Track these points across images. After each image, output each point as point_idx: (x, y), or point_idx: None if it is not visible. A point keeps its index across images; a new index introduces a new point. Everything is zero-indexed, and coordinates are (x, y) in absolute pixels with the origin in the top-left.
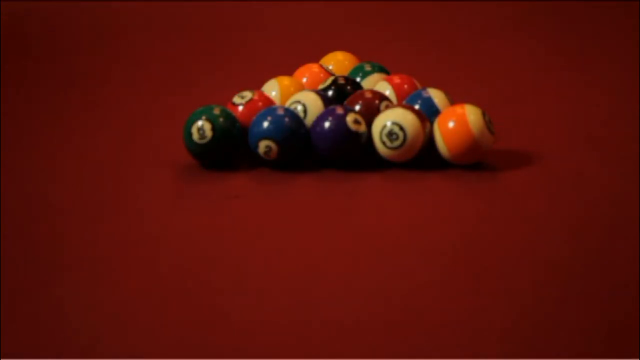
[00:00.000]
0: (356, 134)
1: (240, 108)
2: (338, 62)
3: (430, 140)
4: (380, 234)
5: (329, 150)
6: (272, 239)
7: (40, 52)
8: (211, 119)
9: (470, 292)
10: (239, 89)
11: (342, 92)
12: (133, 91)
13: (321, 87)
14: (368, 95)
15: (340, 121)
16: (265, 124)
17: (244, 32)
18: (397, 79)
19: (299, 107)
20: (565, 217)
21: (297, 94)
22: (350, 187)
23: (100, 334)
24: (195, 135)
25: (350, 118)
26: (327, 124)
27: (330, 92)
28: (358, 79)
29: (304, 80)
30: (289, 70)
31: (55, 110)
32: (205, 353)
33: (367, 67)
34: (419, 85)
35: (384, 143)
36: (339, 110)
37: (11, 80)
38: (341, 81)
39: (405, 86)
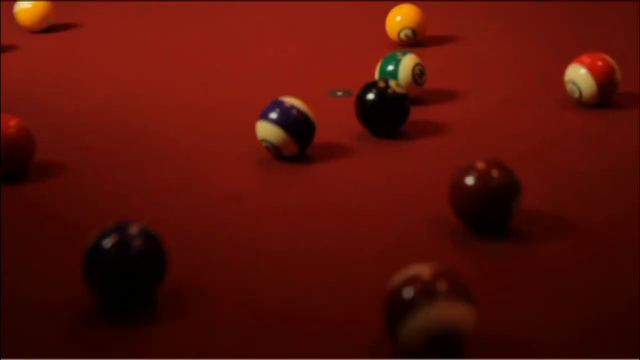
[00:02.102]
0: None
1: None
2: (404, 14)
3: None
4: None
5: None
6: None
7: None
8: None
9: None
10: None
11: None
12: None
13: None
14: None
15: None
16: None
17: None
18: (587, 59)
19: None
20: None
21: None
22: None
23: None
24: None
25: None
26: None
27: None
28: (391, 67)
29: (398, 18)
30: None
31: None
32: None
33: (399, 55)
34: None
35: None
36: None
37: None
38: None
39: (599, 62)
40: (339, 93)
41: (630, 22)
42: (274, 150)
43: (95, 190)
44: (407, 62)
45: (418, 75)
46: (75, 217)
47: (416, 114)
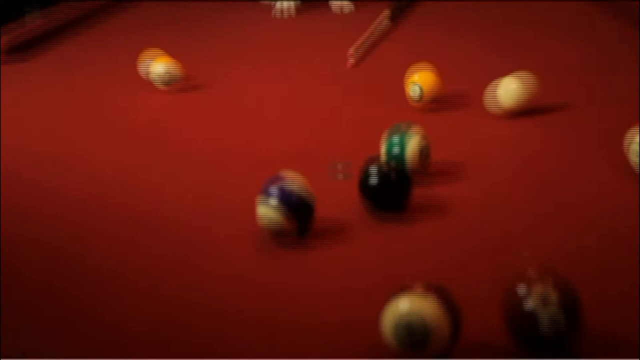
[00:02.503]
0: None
1: None
2: (422, 76)
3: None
4: None
5: None
6: None
7: None
8: None
9: None
10: None
11: (386, 177)
12: None
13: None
14: None
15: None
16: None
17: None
18: None
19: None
20: None
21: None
22: None
23: None
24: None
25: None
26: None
27: (373, 179)
28: (397, 150)
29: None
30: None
31: None
32: None
33: (405, 136)
34: None
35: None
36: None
37: None
38: (384, 169)
39: None
40: (340, 176)
41: None
42: (274, 231)
43: (94, 269)
44: (414, 144)
45: (425, 156)
46: (73, 294)
47: (420, 192)
